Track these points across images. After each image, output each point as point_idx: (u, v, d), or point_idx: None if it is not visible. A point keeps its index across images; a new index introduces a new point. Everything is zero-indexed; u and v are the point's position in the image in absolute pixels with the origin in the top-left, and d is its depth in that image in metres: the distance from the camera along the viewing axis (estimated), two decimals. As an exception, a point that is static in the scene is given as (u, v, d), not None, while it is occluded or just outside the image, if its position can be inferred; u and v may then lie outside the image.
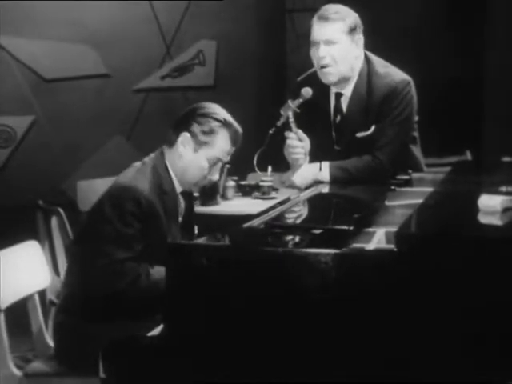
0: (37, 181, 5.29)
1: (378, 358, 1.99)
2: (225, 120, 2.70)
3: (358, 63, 3.16)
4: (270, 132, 3.08)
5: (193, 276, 2.08)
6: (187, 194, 2.82)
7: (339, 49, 3.07)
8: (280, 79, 6.25)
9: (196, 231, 2.90)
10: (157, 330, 2.32)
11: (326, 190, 3.06)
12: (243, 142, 2.81)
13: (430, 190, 2.74)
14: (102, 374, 2.23)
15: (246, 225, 2.35)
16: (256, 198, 4.28)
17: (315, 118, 3.18)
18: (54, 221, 3.97)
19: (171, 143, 2.72)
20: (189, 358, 2.09)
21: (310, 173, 3.16)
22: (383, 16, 5.43)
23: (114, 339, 2.24)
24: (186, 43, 6.10)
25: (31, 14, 5.39)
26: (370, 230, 2.31)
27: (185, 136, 2.68)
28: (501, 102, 6.13)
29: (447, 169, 3.27)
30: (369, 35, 3.19)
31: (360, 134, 3.16)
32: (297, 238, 2.23)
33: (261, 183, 4.30)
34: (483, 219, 2.22)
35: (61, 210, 3.98)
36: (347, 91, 3.20)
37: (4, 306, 2.65)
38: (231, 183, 4.29)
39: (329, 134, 3.15)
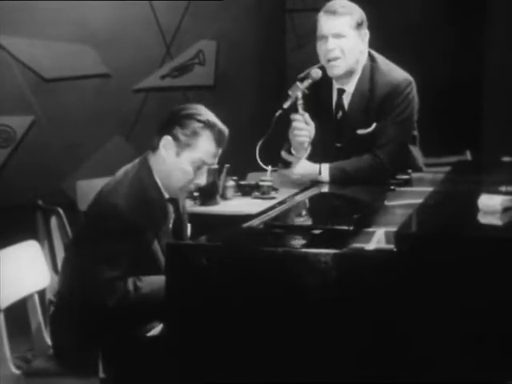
0: (36, 181, 5.29)
1: (378, 357, 1.99)
2: (208, 121, 2.58)
3: (363, 58, 3.18)
4: (276, 115, 3.03)
5: (192, 276, 2.08)
6: (174, 200, 2.72)
7: (347, 42, 3.10)
8: (280, 79, 6.24)
9: (189, 232, 2.84)
10: (157, 330, 2.33)
11: (325, 190, 3.06)
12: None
13: (429, 189, 2.74)
14: (101, 374, 2.23)
15: (245, 225, 2.35)
16: (256, 197, 4.28)
17: (316, 113, 3.18)
18: (53, 221, 3.97)
19: (154, 148, 2.62)
20: (189, 358, 2.09)
21: (311, 171, 3.15)
22: (383, 15, 5.42)
23: (113, 339, 2.24)
24: (185, 43, 6.10)
25: (31, 14, 5.39)
26: (370, 229, 2.31)
27: (166, 139, 2.58)
28: (501, 102, 6.13)
29: (447, 169, 3.27)
30: (370, 33, 3.20)
31: (361, 131, 3.17)
32: (296, 238, 2.23)
33: (260, 183, 4.30)
34: (483, 219, 2.22)
35: (60, 210, 3.98)
36: (350, 87, 3.20)
37: (4, 305, 2.65)
38: (231, 183, 4.29)
39: (330, 130, 3.15)
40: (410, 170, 3.13)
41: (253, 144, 3.17)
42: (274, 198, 4.14)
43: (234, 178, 4.37)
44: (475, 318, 1.95)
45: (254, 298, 2.04)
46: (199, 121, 2.57)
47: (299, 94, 3.06)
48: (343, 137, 3.21)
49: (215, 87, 6.21)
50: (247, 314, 2.04)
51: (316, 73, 3.10)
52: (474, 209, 2.24)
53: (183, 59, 6.12)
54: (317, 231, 2.24)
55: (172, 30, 6.01)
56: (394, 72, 3.18)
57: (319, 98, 3.16)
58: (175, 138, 2.57)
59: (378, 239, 2.21)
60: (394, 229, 2.15)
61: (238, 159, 4.37)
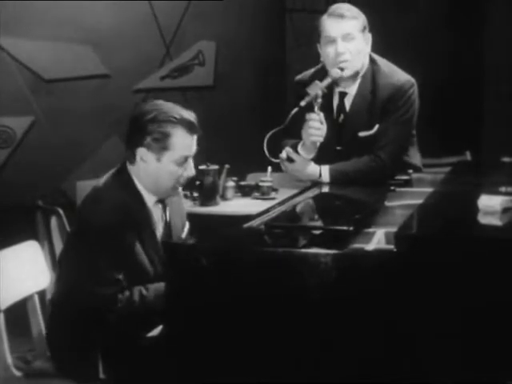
0: (36, 181, 5.29)
1: (378, 357, 1.99)
2: (172, 117, 2.51)
3: (366, 61, 3.18)
4: (292, 112, 3.00)
5: (192, 276, 2.08)
6: (163, 201, 2.67)
7: (356, 45, 3.12)
8: (280, 79, 6.24)
9: (186, 231, 2.77)
10: (157, 330, 2.33)
11: (325, 190, 3.06)
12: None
13: (429, 190, 2.74)
14: (101, 375, 2.23)
15: (245, 225, 2.35)
16: (255, 198, 4.28)
17: None
18: (53, 221, 3.97)
19: (131, 161, 2.57)
20: (189, 359, 2.09)
21: (311, 172, 3.15)
22: (383, 16, 5.42)
23: (113, 340, 2.24)
24: (185, 43, 6.09)
25: (31, 14, 5.38)
26: (370, 230, 2.31)
27: (141, 152, 2.52)
28: (501, 103, 6.13)
29: (447, 169, 3.27)
30: (371, 35, 3.21)
31: (363, 134, 3.17)
32: (297, 239, 2.23)
33: (260, 183, 4.30)
34: (483, 219, 2.22)
35: (60, 210, 3.98)
36: (351, 90, 3.20)
37: (4, 306, 2.65)
38: (231, 183, 4.30)
39: (331, 133, 3.15)
40: (410, 171, 3.13)
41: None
42: (273, 198, 4.14)
43: (234, 178, 4.37)
44: (475, 318, 1.95)
45: (254, 299, 2.04)
46: (164, 121, 2.50)
47: (319, 93, 3.05)
48: (344, 140, 3.21)
49: (215, 88, 6.21)
50: (247, 314, 2.04)
51: (336, 72, 3.10)
52: (474, 209, 2.24)
53: (183, 60, 6.12)
54: (317, 232, 2.24)
55: (172, 30, 6.00)
56: (397, 74, 3.19)
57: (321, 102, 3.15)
58: (149, 147, 2.51)
59: (378, 240, 2.21)
60: (394, 229, 2.15)
61: (237, 159, 4.37)
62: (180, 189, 2.67)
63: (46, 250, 3.71)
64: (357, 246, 2.15)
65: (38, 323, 2.80)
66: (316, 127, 3.07)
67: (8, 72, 5.39)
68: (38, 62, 5.49)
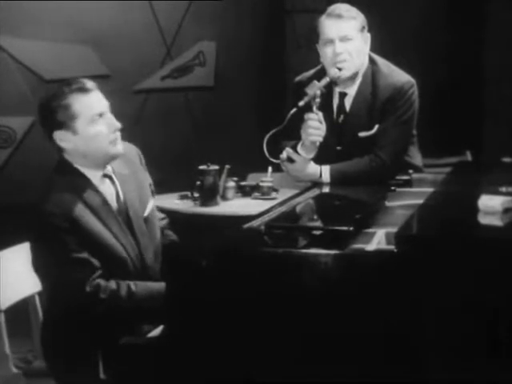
0: (37, 181, 5.29)
1: (378, 357, 1.99)
2: (63, 91, 2.50)
3: (366, 61, 3.18)
4: (291, 112, 3.01)
5: (192, 276, 2.08)
6: (110, 178, 2.61)
7: (354, 45, 3.11)
8: (280, 80, 6.25)
9: (150, 207, 2.68)
10: (157, 331, 2.33)
11: (326, 190, 3.06)
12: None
13: (430, 190, 2.74)
14: (101, 375, 2.23)
15: (245, 225, 2.35)
16: (256, 198, 4.28)
17: None
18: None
19: (58, 148, 2.56)
20: (189, 359, 2.09)
21: (312, 172, 3.15)
22: (383, 17, 5.42)
23: (112, 340, 2.24)
24: (186, 44, 6.10)
25: (31, 15, 5.38)
26: (370, 230, 2.31)
27: (57, 134, 2.52)
28: (501, 103, 6.13)
29: (447, 169, 3.27)
30: (371, 35, 3.21)
31: (363, 134, 3.17)
32: (297, 239, 2.23)
33: (261, 184, 4.31)
34: (483, 220, 2.22)
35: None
36: (351, 91, 3.20)
37: (4, 306, 2.65)
38: (231, 184, 4.30)
39: (331, 134, 3.15)
40: (410, 171, 3.13)
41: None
42: (274, 198, 4.15)
43: (235, 178, 4.37)
44: (475, 318, 1.95)
45: (255, 299, 2.04)
46: (59, 98, 2.50)
47: (317, 93, 3.05)
48: (344, 140, 3.21)
49: (215, 88, 6.21)
50: (247, 314, 2.04)
51: (335, 72, 3.10)
52: (475, 209, 2.24)
53: (183, 60, 6.12)
54: (317, 232, 2.24)
55: (172, 31, 6.01)
56: (397, 74, 3.19)
57: (320, 102, 3.15)
58: (61, 126, 2.51)
59: (378, 240, 2.21)
60: (394, 229, 2.15)
61: (238, 160, 4.37)
62: (120, 147, 2.60)
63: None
64: (357, 246, 2.15)
65: (38, 323, 2.80)
66: (315, 127, 3.07)
67: (8, 72, 5.39)
68: (38, 62, 5.50)
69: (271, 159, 3.15)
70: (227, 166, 4.25)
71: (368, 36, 3.18)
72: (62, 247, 2.41)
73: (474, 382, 1.96)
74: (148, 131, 5.69)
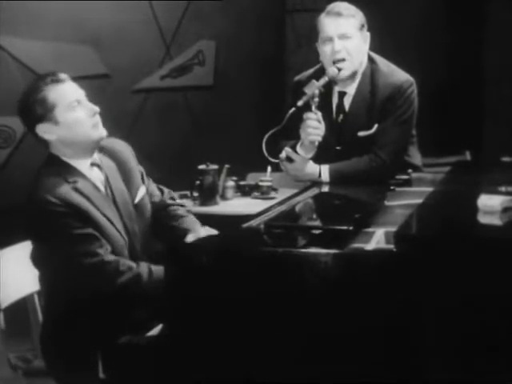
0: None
1: (378, 357, 1.99)
2: (38, 85, 2.62)
3: (365, 60, 3.18)
4: (290, 112, 3.02)
5: (192, 276, 2.08)
6: (98, 166, 2.65)
7: (353, 43, 3.11)
8: (279, 79, 6.25)
9: (141, 194, 2.71)
10: (157, 330, 2.32)
11: (325, 190, 3.06)
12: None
13: (429, 189, 2.74)
14: (101, 374, 2.23)
15: (245, 225, 2.35)
16: (255, 198, 4.28)
17: None
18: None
19: (44, 143, 2.61)
20: (188, 358, 2.09)
21: (311, 171, 3.15)
22: (384, 17, 5.42)
23: (112, 340, 2.24)
24: (185, 43, 6.09)
25: (31, 14, 5.38)
26: (370, 230, 2.31)
27: (39, 128, 2.58)
28: (501, 102, 6.13)
29: (447, 169, 3.27)
30: (371, 35, 3.21)
31: (362, 133, 3.17)
32: (296, 238, 2.23)
33: (260, 183, 4.30)
34: (483, 219, 2.22)
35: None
36: (351, 90, 3.20)
37: (4, 305, 2.65)
38: (230, 183, 4.30)
39: (330, 133, 3.15)
40: (410, 170, 3.13)
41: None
42: (273, 198, 4.15)
43: (234, 178, 4.37)
44: (475, 318, 1.95)
45: (254, 298, 2.04)
46: (35, 91, 2.61)
47: (316, 92, 3.05)
48: (343, 139, 3.21)
49: (215, 87, 6.21)
50: (247, 313, 2.04)
51: (333, 71, 3.10)
52: (474, 209, 2.24)
53: (183, 60, 6.12)
54: (316, 231, 2.24)
55: (172, 30, 6.00)
56: (396, 73, 3.19)
57: (319, 101, 3.15)
58: (42, 119, 2.57)
59: (377, 239, 2.21)
60: (393, 229, 2.15)
61: (237, 159, 4.37)
62: (103, 131, 2.64)
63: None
64: (356, 245, 2.15)
65: (38, 322, 2.80)
66: (314, 126, 3.07)
67: (8, 72, 5.39)
68: (38, 61, 5.49)
69: (270, 159, 3.15)
70: (226, 166, 4.25)
71: (367, 35, 3.18)
72: (64, 228, 2.43)
73: (474, 382, 1.96)
74: (147, 130, 5.68)
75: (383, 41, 3.39)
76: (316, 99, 3.05)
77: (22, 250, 2.85)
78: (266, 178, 4.30)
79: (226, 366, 2.07)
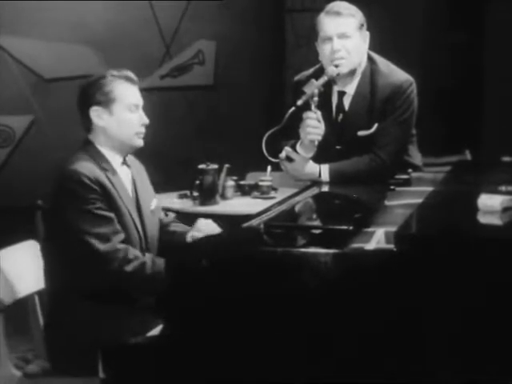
0: (36, 181, 5.29)
1: (378, 357, 1.99)
2: (110, 75, 2.75)
3: (364, 59, 3.18)
4: (289, 112, 3.02)
5: (192, 276, 2.08)
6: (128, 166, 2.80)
7: (352, 43, 3.11)
8: (279, 79, 6.25)
9: (154, 204, 2.86)
10: (157, 330, 2.32)
11: (325, 189, 3.06)
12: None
13: (429, 189, 2.74)
14: (101, 374, 2.23)
15: (245, 225, 2.35)
16: (255, 197, 4.28)
17: None
18: (53, 221, 3.97)
19: (88, 128, 2.76)
20: (189, 358, 2.09)
21: (311, 171, 3.15)
22: (383, 15, 5.43)
23: (112, 340, 2.24)
24: (185, 43, 6.10)
25: (31, 14, 5.39)
26: (370, 229, 2.31)
27: (94, 110, 2.72)
28: (501, 102, 6.13)
29: (447, 168, 3.27)
30: (371, 35, 3.21)
31: (362, 133, 3.16)
32: (296, 238, 2.23)
33: (260, 183, 4.31)
34: (483, 219, 2.22)
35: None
36: (350, 89, 3.20)
37: (3, 305, 2.65)
38: (230, 183, 4.30)
39: (330, 132, 3.14)
40: (410, 170, 3.13)
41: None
42: (273, 197, 4.15)
43: (234, 177, 4.37)
44: (475, 318, 1.95)
45: (254, 298, 2.04)
46: (105, 80, 2.74)
47: (315, 91, 3.05)
48: (343, 139, 3.20)
49: (214, 87, 6.21)
50: (247, 314, 2.04)
51: (332, 70, 3.09)
52: (474, 209, 2.24)
53: (183, 59, 6.13)
54: (316, 231, 2.24)
55: (171, 30, 6.01)
56: (396, 73, 3.19)
57: (318, 100, 3.15)
58: (99, 104, 2.71)
59: (377, 239, 2.21)
60: (393, 229, 2.15)
61: (237, 159, 4.37)
62: (141, 142, 2.79)
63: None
64: (356, 245, 2.15)
65: (38, 323, 2.80)
66: (313, 125, 3.07)
67: (8, 72, 5.39)
68: (38, 61, 5.50)
69: (270, 158, 3.15)
70: (226, 165, 4.25)
71: (367, 34, 3.18)
72: (88, 203, 2.57)
73: (476, 382, 1.96)
74: (147, 130, 5.69)
75: (383, 41, 3.39)
76: (315, 98, 3.05)
77: (22, 250, 2.85)
78: (266, 177, 4.30)
79: (226, 366, 2.07)
